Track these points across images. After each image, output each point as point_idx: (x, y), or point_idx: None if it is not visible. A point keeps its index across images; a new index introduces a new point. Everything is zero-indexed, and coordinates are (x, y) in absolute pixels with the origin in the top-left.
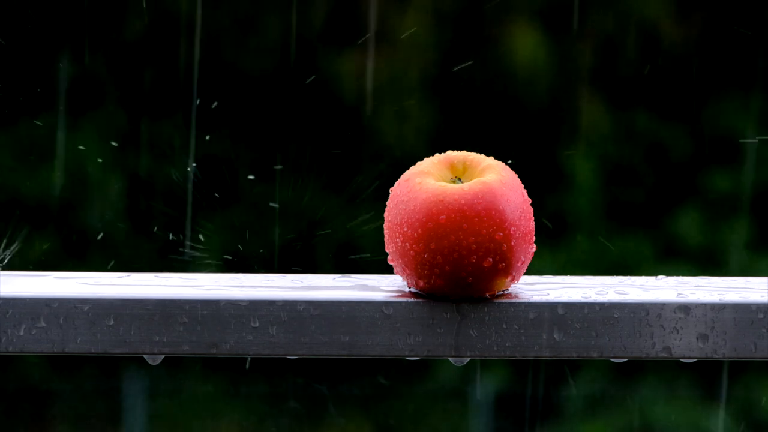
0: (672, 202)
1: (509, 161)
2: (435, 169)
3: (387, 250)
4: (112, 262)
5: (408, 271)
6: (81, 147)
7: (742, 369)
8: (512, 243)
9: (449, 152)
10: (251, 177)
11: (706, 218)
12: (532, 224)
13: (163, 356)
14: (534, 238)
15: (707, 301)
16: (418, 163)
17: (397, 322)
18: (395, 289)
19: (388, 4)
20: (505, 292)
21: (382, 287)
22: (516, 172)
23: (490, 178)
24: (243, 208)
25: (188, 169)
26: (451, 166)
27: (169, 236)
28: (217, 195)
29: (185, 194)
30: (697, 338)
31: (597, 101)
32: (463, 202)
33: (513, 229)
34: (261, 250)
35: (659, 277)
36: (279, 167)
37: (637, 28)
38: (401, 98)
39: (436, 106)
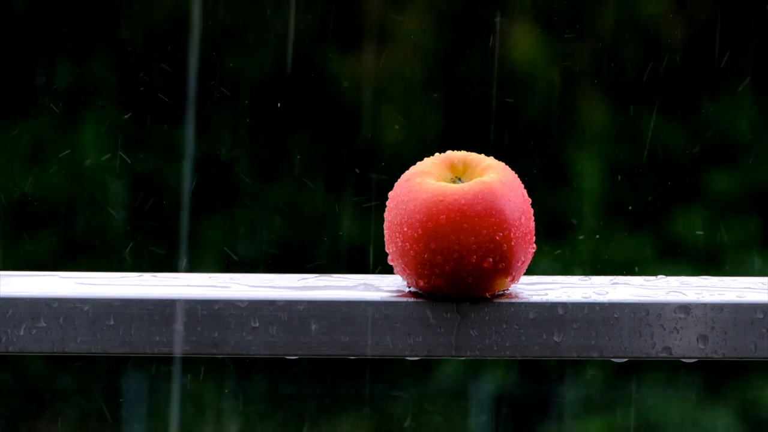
0: (672, 202)
1: (509, 161)
2: (435, 169)
3: (387, 250)
4: (113, 263)
5: (408, 271)
6: (82, 147)
7: (742, 369)
8: (512, 243)
9: (449, 152)
10: (250, 177)
11: (706, 218)
12: (532, 224)
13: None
14: (534, 238)
15: (707, 301)
16: (418, 163)
17: (397, 322)
18: (395, 289)
19: (388, 4)
20: (505, 292)
21: (382, 287)
22: (516, 172)
23: (490, 178)
24: (243, 208)
25: (189, 169)
26: (451, 166)
27: (169, 236)
28: (217, 195)
29: (186, 194)
30: (697, 338)
31: (597, 101)
32: (463, 202)
33: (513, 229)
34: (261, 250)
35: (659, 277)
36: (278, 167)
37: (638, 27)
38: (401, 98)
39: (436, 106)
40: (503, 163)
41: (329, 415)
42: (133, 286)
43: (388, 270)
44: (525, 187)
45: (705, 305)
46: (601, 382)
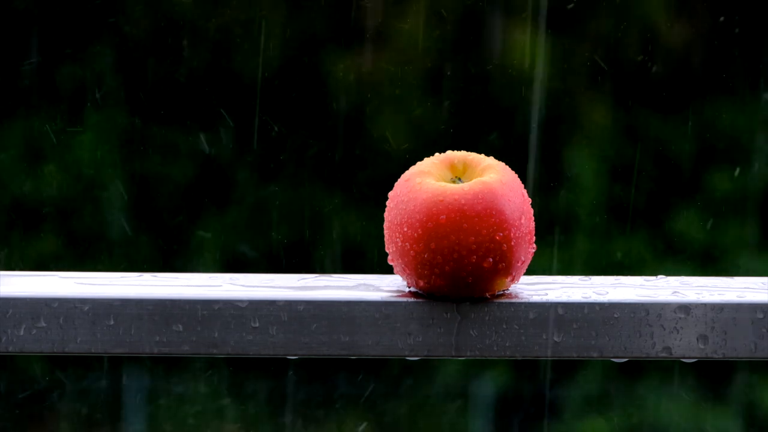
0: (672, 202)
1: (509, 161)
2: (435, 169)
3: (387, 250)
4: (113, 263)
5: (408, 271)
6: (82, 147)
7: (742, 369)
8: (512, 243)
9: (449, 152)
10: (250, 177)
11: (706, 218)
12: (532, 224)
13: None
14: (534, 238)
15: (707, 301)
16: (418, 163)
17: (397, 322)
18: (395, 289)
19: (388, 4)
20: (505, 292)
21: (382, 287)
22: (516, 172)
23: (490, 178)
24: (243, 208)
25: (189, 169)
26: (451, 166)
27: (169, 236)
28: (217, 195)
29: (186, 194)
30: (697, 338)
31: (597, 100)
32: (463, 202)
33: (513, 229)
34: (261, 250)
35: (659, 277)
36: (278, 167)
37: (638, 27)
38: (401, 98)
39: (435, 106)
40: (503, 163)
41: (329, 415)
42: (133, 286)
43: (388, 270)
44: (525, 187)
45: (705, 305)
46: (601, 382)
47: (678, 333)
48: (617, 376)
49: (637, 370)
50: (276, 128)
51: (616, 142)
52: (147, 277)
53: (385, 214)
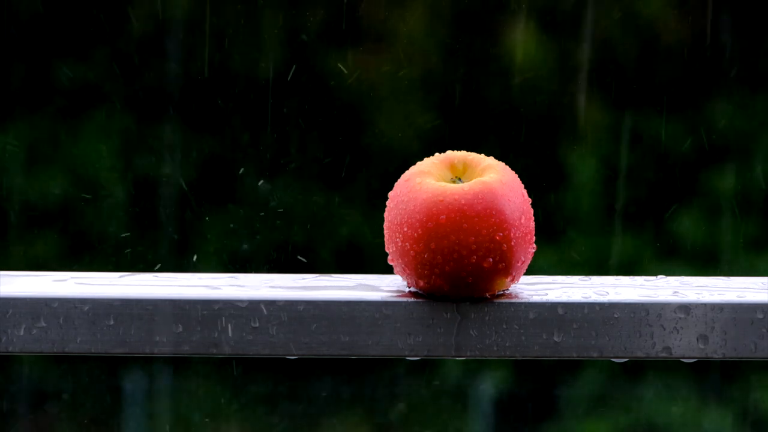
0: (672, 202)
1: (509, 161)
2: (435, 169)
3: (387, 250)
4: (113, 263)
5: (408, 271)
6: (82, 147)
7: (742, 369)
8: (512, 243)
9: (449, 152)
10: (250, 177)
11: (706, 218)
12: (532, 224)
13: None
14: (534, 238)
15: (707, 301)
16: (418, 163)
17: (397, 322)
18: (395, 289)
19: (388, 4)
20: (505, 292)
21: (382, 287)
22: (516, 172)
23: (490, 178)
24: (243, 208)
25: (189, 169)
26: (451, 166)
27: (169, 236)
28: (217, 195)
29: (186, 194)
30: (697, 338)
31: (597, 100)
32: (463, 202)
33: (513, 229)
34: (261, 250)
35: (659, 277)
36: (279, 167)
37: (637, 27)
38: (401, 98)
39: (435, 106)
40: (503, 163)
41: (329, 415)
42: (133, 286)
43: (388, 270)
44: (525, 187)
45: (705, 305)
46: (601, 382)
47: (678, 333)
48: (617, 376)
49: (637, 370)
50: (276, 128)
51: (615, 142)
52: (147, 277)
53: (385, 214)
